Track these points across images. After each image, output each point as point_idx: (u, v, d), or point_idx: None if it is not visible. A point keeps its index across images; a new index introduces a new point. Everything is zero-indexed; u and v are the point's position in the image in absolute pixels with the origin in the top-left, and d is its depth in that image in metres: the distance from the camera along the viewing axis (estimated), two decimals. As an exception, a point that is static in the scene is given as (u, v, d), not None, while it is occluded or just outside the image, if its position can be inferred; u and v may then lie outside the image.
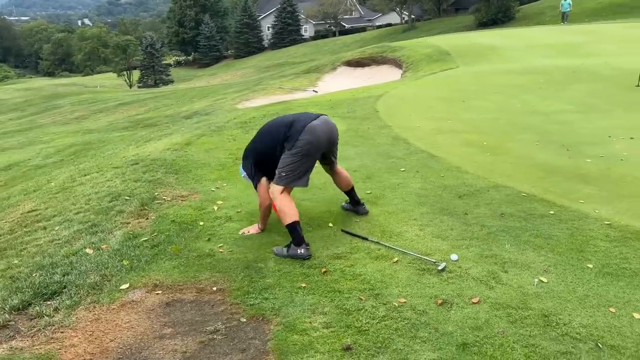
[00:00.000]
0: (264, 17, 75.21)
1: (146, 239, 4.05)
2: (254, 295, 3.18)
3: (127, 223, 4.41)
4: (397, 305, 3.00)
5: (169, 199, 4.92)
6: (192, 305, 3.15)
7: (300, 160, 3.79)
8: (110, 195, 5.08)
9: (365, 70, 21.03)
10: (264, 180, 4.07)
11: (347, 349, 2.61)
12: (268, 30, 72.85)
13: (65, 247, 4.02)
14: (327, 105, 9.47)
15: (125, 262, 3.68)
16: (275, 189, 3.83)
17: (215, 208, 4.64)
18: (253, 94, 19.07)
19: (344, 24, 71.49)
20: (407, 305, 3.00)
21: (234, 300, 3.15)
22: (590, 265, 3.39)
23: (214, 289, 3.31)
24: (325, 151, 4.05)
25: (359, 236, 3.94)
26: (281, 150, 3.86)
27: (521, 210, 4.35)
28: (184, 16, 75.25)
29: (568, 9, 29.86)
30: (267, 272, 3.47)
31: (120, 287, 3.36)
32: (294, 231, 3.67)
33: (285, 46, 65.45)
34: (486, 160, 5.87)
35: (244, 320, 2.95)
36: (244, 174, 4.26)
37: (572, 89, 10.25)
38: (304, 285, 3.28)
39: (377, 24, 69.64)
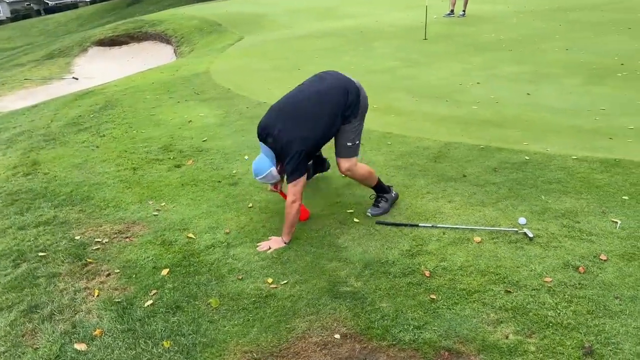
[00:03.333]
0: None
1: (151, 302, 2.83)
2: (399, 329, 2.49)
3: (87, 289, 3.02)
4: (551, 286, 2.72)
5: (105, 240, 3.54)
6: (343, 369, 2.31)
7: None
8: (5, 257, 3.39)
9: (124, 49, 18.89)
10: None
11: (588, 352, 2.24)
12: (-55, 13, 58.94)
13: (26, 353, 2.52)
14: (158, 90, 8.11)
15: (166, 344, 2.50)
16: (354, 161, 3.51)
17: (192, 236, 3.51)
18: (-8, 90, 15.27)
19: (47, 1, 62.52)
20: (558, 283, 2.74)
21: (383, 343, 2.42)
22: (626, 197, 3.65)
23: (337, 337, 2.49)
24: None
25: (405, 224, 3.46)
26: (340, 122, 3.37)
27: (502, 161, 4.42)
28: None
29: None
30: (369, 295, 2.77)
31: (214, 383, 2.26)
32: (381, 185, 3.70)
33: (-23, 31, 54.01)
34: (399, 121, 5.81)
35: (431, 362, 2.29)
36: (265, 174, 3.36)
37: (377, 47, 10.89)
38: (432, 297, 2.71)
39: (87, -1, 62.83)
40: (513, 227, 3.31)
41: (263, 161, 3.37)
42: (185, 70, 9.80)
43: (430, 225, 3.43)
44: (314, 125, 3.27)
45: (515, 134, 5.20)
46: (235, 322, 2.62)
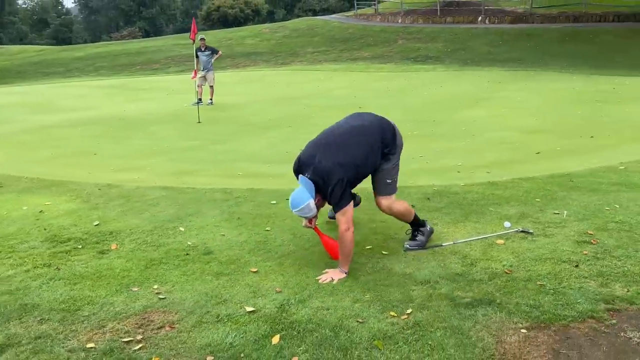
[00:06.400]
0: None
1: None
2: (578, 302, 2.69)
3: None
4: (594, 255, 3.35)
5: (138, 336, 2.65)
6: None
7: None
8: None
9: None
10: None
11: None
12: None
13: None
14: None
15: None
16: (393, 198, 3.61)
17: (247, 307, 2.90)
18: None
19: None
20: (595, 253, 3.39)
21: (580, 323, 2.59)
22: (538, 200, 4.66)
23: (532, 330, 2.52)
24: None
25: (433, 246, 3.67)
26: (379, 157, 3.46)
27: (423, 193, 5.00)
28: None
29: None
30: (496, 297, 2.89)
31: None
32: (417, 219, 3.71)
33: None
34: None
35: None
36: (303, 205, 3.28)
37: (158, 131, 10.21)
38: (540, 283, 3.01)
39: None
40: (513, 229, 3.89)
41: (302, 192, 3.30)
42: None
43: (451, 242, 3.73)
44: (353, 153, 3.36)
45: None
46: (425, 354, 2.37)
